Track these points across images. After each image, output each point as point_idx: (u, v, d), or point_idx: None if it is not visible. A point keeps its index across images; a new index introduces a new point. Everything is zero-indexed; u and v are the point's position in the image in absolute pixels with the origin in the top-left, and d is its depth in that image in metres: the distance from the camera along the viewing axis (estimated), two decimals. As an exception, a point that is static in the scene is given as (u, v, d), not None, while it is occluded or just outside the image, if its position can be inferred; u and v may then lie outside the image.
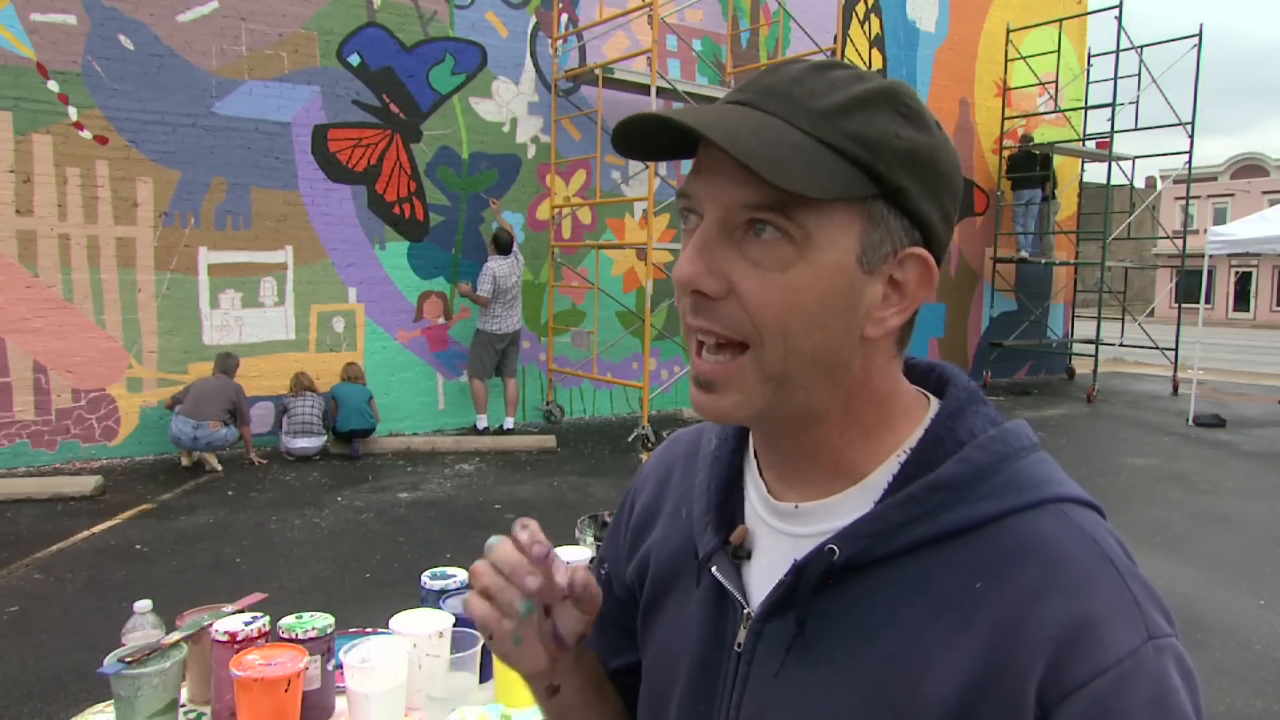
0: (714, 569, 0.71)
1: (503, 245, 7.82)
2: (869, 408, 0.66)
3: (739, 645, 0.68)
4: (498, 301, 7.77)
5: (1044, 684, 0.55)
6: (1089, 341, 12.12)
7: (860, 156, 0.59)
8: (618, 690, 0.90)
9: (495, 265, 7.72)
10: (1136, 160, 13.33)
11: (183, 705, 1.36)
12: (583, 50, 8.85)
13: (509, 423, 8.15)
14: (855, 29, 10.87)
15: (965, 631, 0.58)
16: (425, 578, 1.61)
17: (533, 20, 8.53)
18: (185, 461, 6.61)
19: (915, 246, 0.63)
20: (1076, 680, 0.54)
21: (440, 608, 1.50)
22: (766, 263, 0.60)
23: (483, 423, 8.02)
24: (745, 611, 0.68)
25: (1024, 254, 12.19)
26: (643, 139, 0.65)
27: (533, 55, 8.56)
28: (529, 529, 0.68)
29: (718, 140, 0.57)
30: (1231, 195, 35.69)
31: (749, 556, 0.71)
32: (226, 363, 6.75)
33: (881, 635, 0.61)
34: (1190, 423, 9.67)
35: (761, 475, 0.73)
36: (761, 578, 0.69)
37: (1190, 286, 21.14)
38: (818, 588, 0.63)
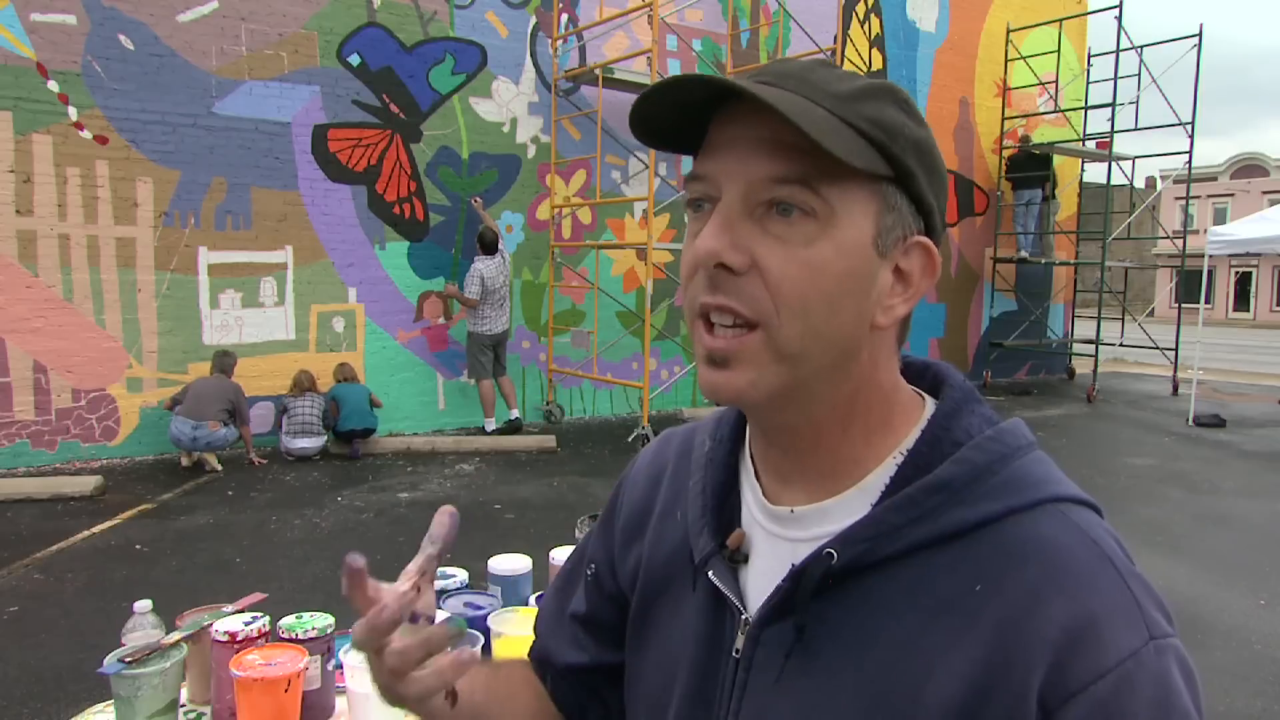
0: (710, 574, 0.70)
1: (488, 245, 7.75)
2: (873, 404, 0.66)
3: (737, 651, 0.67)
4: (486, 303, 7.71)
5: (1046, 686, 0.54)
6: (1089, 341, 12.12)
7: (878, 138, 0.61)
8: (560, 691, 0.87)
9: (482, 266, 7.67)
10: (1136, 160, 13.33)
11: (183, 705, 1.36)
12: (583, 50, 8.84)
13: (514, 413, 8.14)
14: (855, 29, 10.87)
15: (966, 634, 0.58)
16: (425, 578, 1.60)
17: (533, 20, 8.53)
18: (185, 461, 6.60)
19: (920, 235, 0.65)
20: (1078, 682, 0.54)
21: (440, 608, 1.49)
22: (791, 238, 0.60)
23: (491, 425, 7.98)
24: (743, 617, 0.67)
25: (1024, 254, 12.18)
26: (662, 111, 0.64)
27: (533, 55, 8.56)
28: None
29: (771, 100, 0.57)
30: (1231, 195, 35.68)
31: (746, 560, 0.70)
32: (224, 361, 6.73)
33: (882, 639, 0.60)
34: (1190, 423, 9.66)
35: (758, 478, 0.72)
36: (759, 582, 0.68)
37: (1190, 286, 21.14)
38: (816, 592, 0.63)
